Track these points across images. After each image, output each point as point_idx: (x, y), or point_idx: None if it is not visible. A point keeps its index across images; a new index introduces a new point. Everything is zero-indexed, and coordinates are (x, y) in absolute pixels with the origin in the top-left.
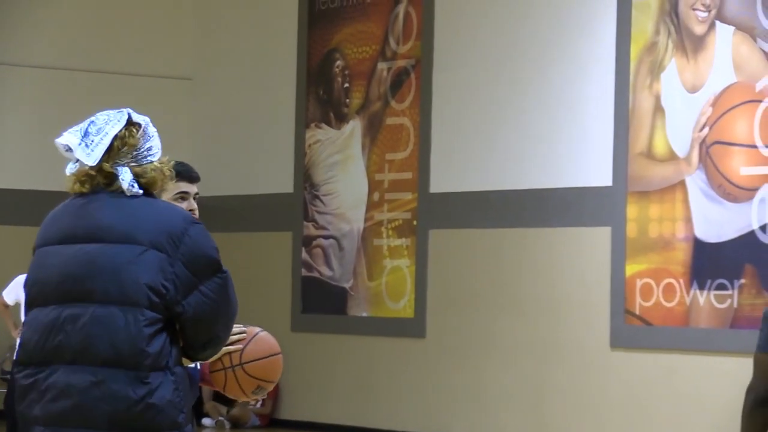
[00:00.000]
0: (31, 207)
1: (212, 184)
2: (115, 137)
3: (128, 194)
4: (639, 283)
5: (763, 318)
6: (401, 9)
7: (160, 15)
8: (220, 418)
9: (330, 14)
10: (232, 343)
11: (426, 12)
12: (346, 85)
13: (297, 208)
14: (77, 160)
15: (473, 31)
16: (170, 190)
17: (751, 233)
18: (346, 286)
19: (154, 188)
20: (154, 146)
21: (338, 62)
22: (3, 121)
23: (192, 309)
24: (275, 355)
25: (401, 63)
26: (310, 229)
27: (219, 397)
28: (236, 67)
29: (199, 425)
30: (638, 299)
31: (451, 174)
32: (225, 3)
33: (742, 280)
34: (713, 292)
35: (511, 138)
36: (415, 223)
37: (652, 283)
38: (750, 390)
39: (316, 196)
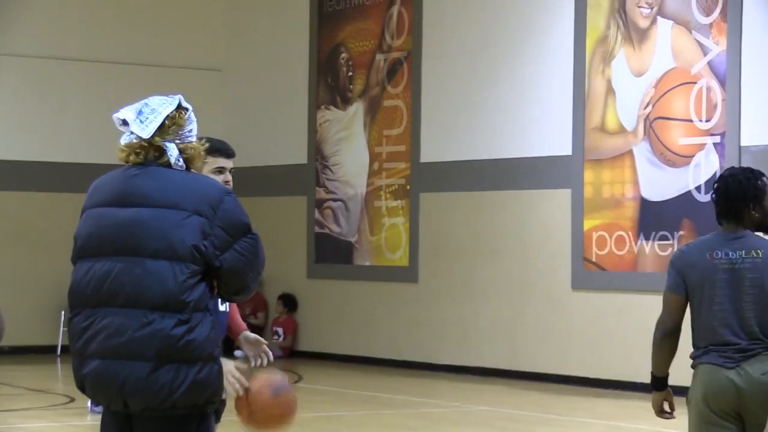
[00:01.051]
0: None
1: (240, 158)
2: (167, 117)
3: (174, 167)
4: (595, 235)
5: (670, 263)
6: (395, 10)
7: (196, 14)
8: None
9: (335, 15)
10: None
11: (416, 12)
12: (350, 73)
13: (310, 176)
14: (131, 133)
15: (455, 28)
16: (210, 163)
17: (688, 193)
18: (352, 240)
19: (193, 164)
20: (194, 129)
21: (343, 55)
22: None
23: (227, 263)
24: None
25: (395, 55)
26: (321, 194)
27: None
28: (258, 59)
29: (231, 356)
30: (594, 249)
31: (438, 146)
32: (249, 7)
33: (681, 232)
34: (657, 242)
35: (488, 116)
36: (408, 187)
37: (606, 235)
38: (659, 324)
39: (326, 166)
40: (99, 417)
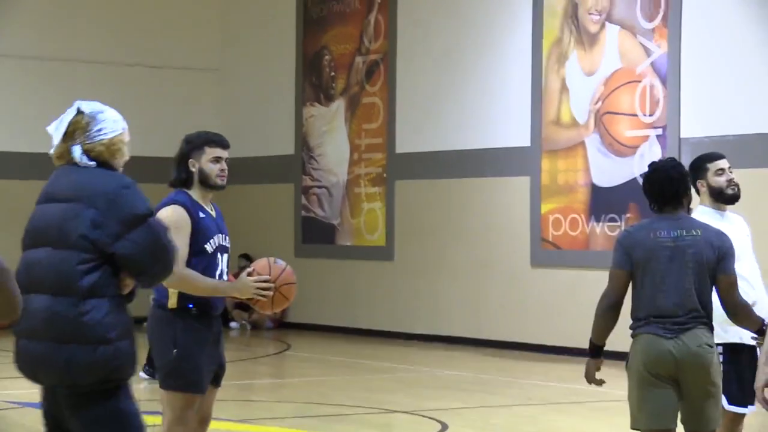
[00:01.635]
0: None
1: (235, 149)
2: (69, 123)
3: (82, 165)
4: (551, 218)
5: (617, 242)
6: (372, 16)
7: (193, 19)
8: (243, 322)
9: (319, 21)
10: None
11: (391, 18)
12: (332, 73)
13: (297, 165)
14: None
15: (426, 32)
16: (208, 154)
17: (634, 180)
18: (335, 222)
19: (112, 159)
20: (105, 128)
21: (326, 57)
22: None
23: (121, 251)
24: (287, 266)
25: (373, 57)
26: (307, 181)
27: (240, 306)
28: (250, 61)
29: (227, 327)
30: (551, 230)
31: (411, 138)
32: (242, 13)
33: (628, 215)
34: (606, 224)
35: (455, 111)
36: (385, 175)
37: (561, 217)
38: (604, 296)
39: (311, 157)
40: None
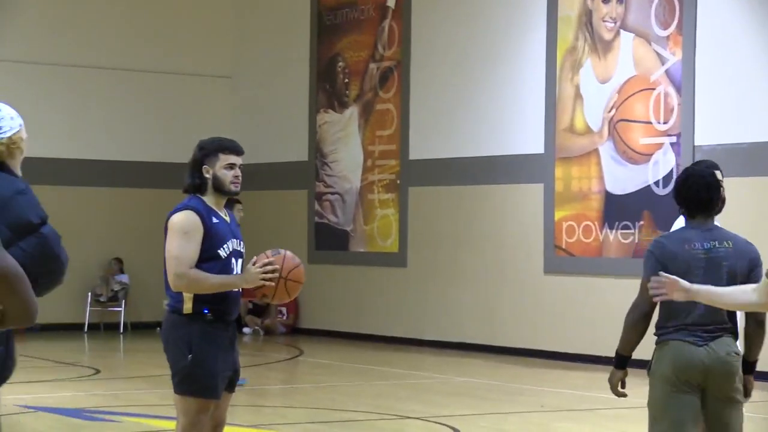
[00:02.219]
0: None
1: (249, 155)
2: None
3: None
4: (564, 225)
5: (650, 253)
6: (386, 23)
7: (207, 26)
8: (256, 327)
9: (333, 28)
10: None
11: (405, 25)
12: (346, 80)
13: (311, 172)
14: None
15: (440, 39)
16: (222, 160)
17: (648, 187)
18: (348, 229)
19: (7, 160)
20: (3, 126)
21: (340, 63)
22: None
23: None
24: (301, 264)
25: (387, 63)
26: (320, 188)
27: (253, 311)
28: (264, 67)
29: (240, 333)
30: (564, 237)
31: (424, 145)
32: (256, 20)
33: (641, 222)
34: (620, 231)
35: (469, 118)
36: (398, 182)
37: (575, 224)
38: (636, 306)
39: (325, 163)
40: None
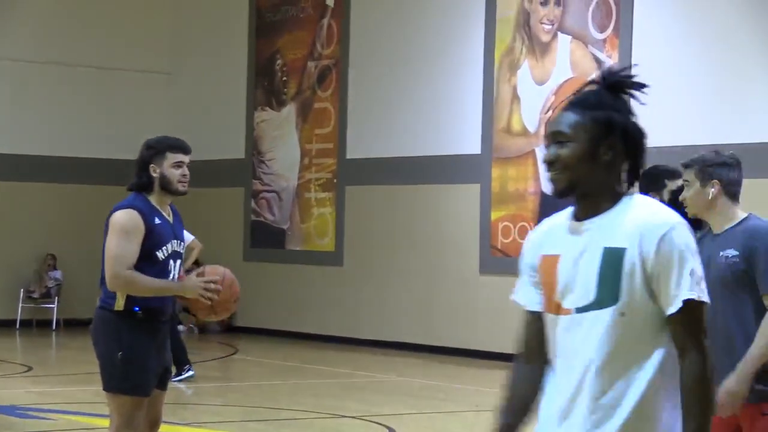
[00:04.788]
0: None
1: None
2: None
3: None
4: (500, 225)
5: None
6: (325, 22)
7: (145, 23)
8: (190, 325)
9: (272, 25)
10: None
11: (344, 24)
12: (284, 78)
13: (247, 170)
14: None
15: (379, 38)
16: (170, 159)
17: None
18: (285, 227)
19: None
20: None
21: (278, 61)
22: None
23: None
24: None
25: (325, 62)
26: (257, 186)
27: (187, 309)
28: (202, 64)
29: (177, 331)
30: (500, 237)
31: (362, 144)
32: (195, 16)
33: None
34: None
35: (407, 118)
36: (335, 181)
37: (510, 225)
38: None
39: (262, 161)
40: (54, 384)
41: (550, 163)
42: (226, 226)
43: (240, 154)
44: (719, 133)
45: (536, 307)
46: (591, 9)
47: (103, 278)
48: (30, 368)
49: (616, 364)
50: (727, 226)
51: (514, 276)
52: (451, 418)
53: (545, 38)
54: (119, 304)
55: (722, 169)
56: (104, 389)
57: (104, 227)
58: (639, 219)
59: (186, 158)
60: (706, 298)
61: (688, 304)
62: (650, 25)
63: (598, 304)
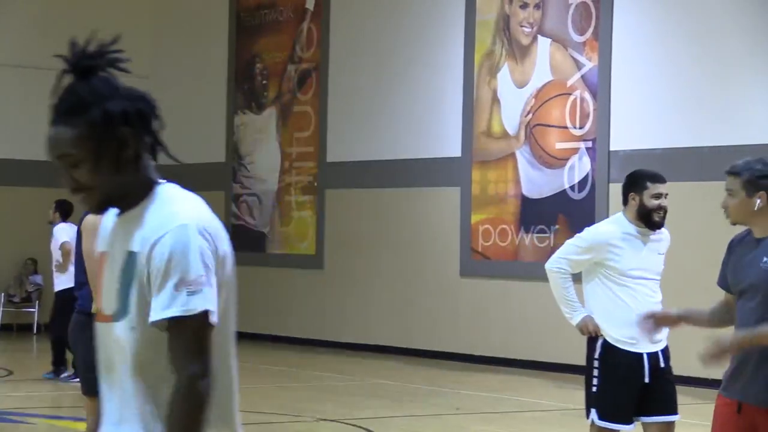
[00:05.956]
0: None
1: (164, 155)
2: None
3: None
4: (481, 228)
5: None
6: (305, 25)
7: (125, 26)
8: None
9: (252, 29)
10: None
11: (323, 28)
12: (265, 82)
13: (228, 173)
14: None
15: (359, 42)
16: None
17: (563, 192)
18: (265, 231)
19: None
20: None
21: (258, 65)
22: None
23: None
24: None
25: (305, 66)
26: (237, 189)
27: None
28: (182, 68)
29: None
30: (480, 240)
31: (342, 148)
32: (174, 19)
33: (557, 226)
34: (535, 235)
35: (387, 121)
36: (315, 184)
37: (491, 228)
38: None
39: (242, 164)
40: (35, 388)
41: (75, 191)
42: None
43: (220, 158)
44: (699, 134)
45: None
46: (570, 12)
47: (79, 282)
48: (11, 372)
49: (138, 382)
50: None
51: (494, 279)
52: (431, 421)
53: (525, 41)
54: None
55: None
56: (84, 393)
57: (76, 233)
58: (151, 218)
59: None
60: (196, 311)
61: (173, 321)
62: (629, 28)
63: (118, 315)
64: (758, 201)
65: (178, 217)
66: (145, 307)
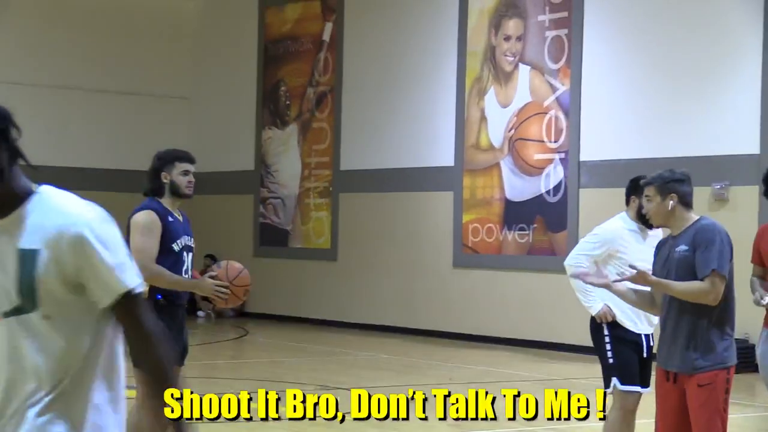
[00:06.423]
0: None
1: (202, 164)
2: None
3: None
4: (470, 226)
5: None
6: (322, 55)
7: (168, 56)
8: (208, 311)
9: (277, 57)
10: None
11: (338, 56)
12: (288, 102)
13: (256, 179)
14: None
15: (368, 68)
16: (178, 167)
17: (540, 196)
18: (288, 228)
19: None
20: None
21: (282, 88)
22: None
23: None
24: (244, 269)
25: (322, 88)
26: (264, 193)
27: (206, 298)
28: (217, 90)
29: (195, 315)
30: (470, 237)
31: (353, 158)
32: (210, 48)
33: (534, 225)
34: (516, 232)
35: (392, 136)
36: (330, 189)
37: (479, 226)
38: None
39: (269, 172)
40: None
41: None
42: (237, 227)
43: (250, 167)
44: (657, 147)
45: None
46: (547, 44)
47: None
48: None
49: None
50: (683, 228)
51: (482, 269)
52: (427, 389)
53: (508, 68)
54: (143, 294)
55: (677, 184)
56: (134, 367)
57: (126, 228)
58: (52, 217)
59: (191, 167)
60: (137, 283)
61: (127, 294)
62: (597, 57)
63: (24, 310)
64: (671, 202)
65: (83, 211)
66: (61, 295)
